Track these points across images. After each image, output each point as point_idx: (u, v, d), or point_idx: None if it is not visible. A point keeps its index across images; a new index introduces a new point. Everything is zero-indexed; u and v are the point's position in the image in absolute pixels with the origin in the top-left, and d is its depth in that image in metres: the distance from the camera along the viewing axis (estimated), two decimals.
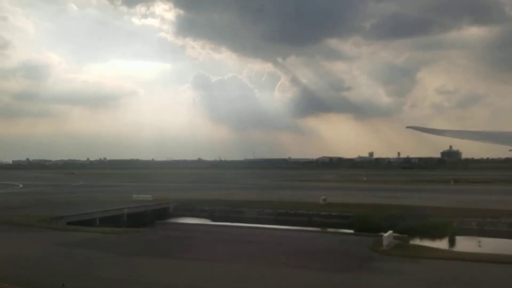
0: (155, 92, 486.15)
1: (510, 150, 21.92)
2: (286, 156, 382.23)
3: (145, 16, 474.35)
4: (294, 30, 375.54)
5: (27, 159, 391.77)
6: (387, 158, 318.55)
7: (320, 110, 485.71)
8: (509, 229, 43.84)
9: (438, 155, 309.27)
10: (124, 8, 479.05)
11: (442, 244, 39.14)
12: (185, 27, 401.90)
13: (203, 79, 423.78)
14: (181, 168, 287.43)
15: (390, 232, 31.56)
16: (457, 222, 46.22)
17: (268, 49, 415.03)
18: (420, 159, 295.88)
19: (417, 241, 37.48)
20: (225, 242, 32.25)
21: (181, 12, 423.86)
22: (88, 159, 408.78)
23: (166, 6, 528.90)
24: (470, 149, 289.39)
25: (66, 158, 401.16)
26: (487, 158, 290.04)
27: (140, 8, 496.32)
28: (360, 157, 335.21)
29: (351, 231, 42.35)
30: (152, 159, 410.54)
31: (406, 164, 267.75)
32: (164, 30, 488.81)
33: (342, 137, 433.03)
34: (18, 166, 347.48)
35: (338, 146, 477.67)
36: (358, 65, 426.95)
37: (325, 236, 38.88)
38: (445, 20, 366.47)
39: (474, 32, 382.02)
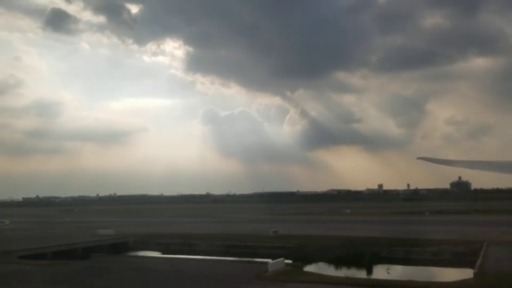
0: (165, 128, 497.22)
1: None
2: (295, 189, 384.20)
3: (155, 54, 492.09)
4: (301, 64, 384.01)
5: (37, 196, 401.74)
6: (396, 190, 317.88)
7: (330, 143, 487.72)
8: (432, 257, 46.79)
9: (448, 186, 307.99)
10: (135, 47, 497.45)
11: (349, 271, 42.10)
12: (195, 64, 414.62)
13: (213, 114, 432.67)
14: (187, 202, 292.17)
15: (280, 259, 35.19)
16: (386, 251, 49.62)
17: (276, 83, 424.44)
18: (428, 190, 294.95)
19: (324, 268, 41.00)
20: (135, 271, 36.10)
21: (191, 49, 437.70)
22: (97, 195, 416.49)
23: (176, 43, 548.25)
24: (480, 180, 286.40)
25: (76, 195, 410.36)
26: (497, 188, 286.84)
27: (151, 46, 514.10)
28: (368, 189, 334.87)
29: (266, 259, 44.69)
30: (161, 194, 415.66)
31: (410, 196, 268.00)
32: (174, 67, 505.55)
33: (352, 169, 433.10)
34: (27, 203, 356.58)
35: (348, 179, 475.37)
36: (367, 97, 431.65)
37: (230, 264, 42.07)
38: (451, 52, 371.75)
39: (480, 63, 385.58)
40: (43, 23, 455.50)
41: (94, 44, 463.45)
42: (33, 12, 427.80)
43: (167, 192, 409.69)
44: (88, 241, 59.73)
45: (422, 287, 29.34)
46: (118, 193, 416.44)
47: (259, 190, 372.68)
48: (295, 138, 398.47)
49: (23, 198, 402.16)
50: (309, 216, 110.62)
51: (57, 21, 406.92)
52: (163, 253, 57.96)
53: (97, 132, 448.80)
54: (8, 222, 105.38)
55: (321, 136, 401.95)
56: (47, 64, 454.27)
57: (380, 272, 42.38)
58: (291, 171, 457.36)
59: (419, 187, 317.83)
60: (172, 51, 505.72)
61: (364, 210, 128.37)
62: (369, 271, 43.47)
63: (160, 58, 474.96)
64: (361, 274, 42.06)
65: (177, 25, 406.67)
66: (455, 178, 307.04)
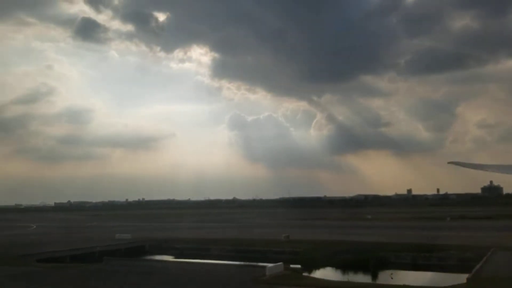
0: (192, 133, 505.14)
1: None
2: (322, 194, 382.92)
3: (182, 60, 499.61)
4: (328, 68, 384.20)
5: (68, 201, 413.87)
6: (425, 195, 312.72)
7: (358, 147, 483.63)
8: (439, 263, 46.85)
9: (479, 191, 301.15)
10: (162, 54, 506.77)
11: (354, 276, 42.81)
12: (221, 70, 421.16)
13: (239, 119, 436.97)
14: (213, 207, 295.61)
15: (280, 263, 36.30)
16: (394, 256, 49.94)
17: (302, 87, 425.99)
18: (458, 195, 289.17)
19: (330, 273, 41.83)
20: (141, 274, 37.87)
21: (217, 55, 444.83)
22: (126, 200, 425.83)
23: (202, 50, 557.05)
24: None
25: (106, 200, 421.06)
26: None
27: (178, 53, 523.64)
28: (397, 194, 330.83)
29: (266, 264, 45.86)
30: (189, 199, 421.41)
31: (437, 201, 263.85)
32: (201, 73, 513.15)
33: (380, 174, 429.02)
34: (59, 208, 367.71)
35: (377, 183, 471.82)
36: (395, 101, 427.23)
37: (231, 268, 43.09)
38: (481, 54, 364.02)
39: (511, 65, 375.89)
40: (73, 33, 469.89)
41: (123, 52, 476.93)
42: (64, 22, 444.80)
43: (195, 197, 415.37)
44: (105, 245, 62.02)
45: None
46: (147, 198, 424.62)
47: (285, 195, 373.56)
48: (322, 142, 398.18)
49: (55, 203, 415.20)
50: (329, 221, 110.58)
51: (87, 30, 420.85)
52: (177, 257, 59.70)
53: (126, 138, 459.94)
54: (35, 226, 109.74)
55: (349, 141, 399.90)
56: (77, 72, 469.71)
57: (384, 277, 42.78)
58: (318, 176, 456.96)
59: (449, 192, 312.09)
60: (199, 57, 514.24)
61: (386, 216, 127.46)
62: (374, 276, 44.00)
63: (187, 65, 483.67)
64: (365, 279, 42.75)
65: (203, 32, 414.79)
66: (486, 183, 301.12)
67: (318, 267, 48.58)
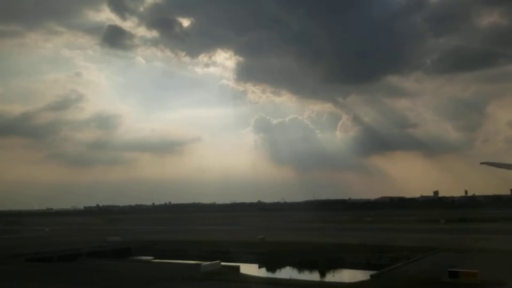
0: (218, 137, 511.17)
1: None
2: (347, 197, 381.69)
3: (207, 65, 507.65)
4: (352, 69, 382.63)
5: (97, 205, 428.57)
6: (451, 197, 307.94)
7: (385, 149, 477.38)
8: (390, 263, 49.87)
9: (508, 192, 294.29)
10: (187, 59, 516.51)
11: (298, 274, 46.58)
12: (245, 73, 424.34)
13: (264, 122, 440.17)
14: (233, 211, 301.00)
15: (217, 261, 40.69)
16: (351, 257, 53.40)
17: (327, 89, 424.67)
18: (486, 196, 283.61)
19: (284, 271, 45.81)
20: (93, 272, 42.96)
21: (241, 59, 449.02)
22: (153, 203, 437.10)
23: (227, 54, 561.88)
24: None
25: (133, 203, 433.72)
26: None
27: (203, 58, 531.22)
28: (422, 196, 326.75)
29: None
30: (214, 202, 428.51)
31: (456, 203, 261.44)
32: (226, 77, 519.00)
33: (407, 176, 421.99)
34: (88, 212, 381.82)
35: (403, 185, 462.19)
36: (422, 101, 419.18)
37: (176, 266, 48.31)
38: (510, 51, 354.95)
39: None
40: (101, 40, 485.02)
41: (149, 57, 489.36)
42: (92, 30, 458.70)
43: (220, 200, 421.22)
44: (93, 247, 67.81)
45: (316, 286, 33.61)
46: (173, 202, 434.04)
47: (310, 197, 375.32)
48: (348, 144, 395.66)
49: (84, 207, 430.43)
50: (329, 224, 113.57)
51: (114, 37, 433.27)
52: (156, 258, 64.72)
53: (153, 143, 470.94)
54: (48, 229, 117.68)
55: (375, 142, 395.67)
56: (105, 79, 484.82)
57: (329, 275, 46.58)
58: (344, 178, 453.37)
59: (477, 194, 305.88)
60: (223, 61, 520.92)
61: (386, 218, 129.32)
62: (322, 274, 47.73)
63: (212, 69, 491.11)
64: (310, 277, 46.58)
65: (227, 36, 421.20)
66: None
67: (280, 266, 52.93)
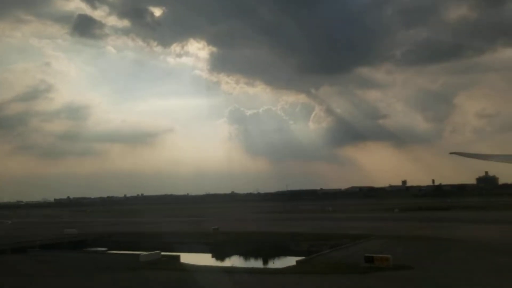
0: (191, 128, 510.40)
1: None
2: (319, 187, 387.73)
3: (179, 55, 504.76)
4: (325, 60, 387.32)
5: (68, 197, 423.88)
6: (419, 186, 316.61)
7: (357, 139, 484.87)
8: (329, 250, 52.61)
9: (474, 181, 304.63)
10: (159, 49, 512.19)
11: (241, 262, 48.90)
12: (219, 64, 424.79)
13: (238, 113, 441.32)
14: (208, 202, 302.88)
15: (157, 251, 42.60)
16: (294, 245, 56.09)
17: (301, 80, 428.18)
18: (452, 186, 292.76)
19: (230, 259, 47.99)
20: (41, 263, 44.28)
21: (214, 49, 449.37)
22: (125, 195, 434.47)
23: (200, 44, 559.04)
24: (509, 174, 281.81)
25: (105, 195, 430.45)
26: None
27: (175, 48, 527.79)
28: (391, 186, 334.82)
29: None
30: (187, 194, 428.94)
31: (421, 192, 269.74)
32: (199, 68, 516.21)
33: (378, 166, 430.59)
34: (59, 204, 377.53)
35: (373, 175, 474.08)
36: (392, 92, 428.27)
37: (120, 256, 49.03)
38: (479, 43, 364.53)
39: (509, 53, 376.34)
40: (70, 29, 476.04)
41: (120, 47, 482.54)
42: (61, 18, 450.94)
43: (194, 192, 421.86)
44: (48, 239, 68.67)
45: (247, 272, 35.83)
46: (145, 193, 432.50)
47: (283, 188, 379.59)
48: (321, 135, 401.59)
49: (55, 199, 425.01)
50: (293, 213, 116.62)
51: (84, 26, 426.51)
52: (110, 249, 65.94)
53: (124, 134, 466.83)
54: (10, 222, 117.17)
55: (347, 133, 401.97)
56: (75, 69, 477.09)
57: (270, 262, 49.04)
58: (317, 169, 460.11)
59: (444, 183, 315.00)
60: (196, 52, 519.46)
61: (347, 208, 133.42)
62: (265, 262, 50.16)
63: (185, 59, 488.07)
64: (252, 264, 48.79)
65: (200, 26, 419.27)
66: (482, 173, 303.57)
67: (228, 255, 55.27)
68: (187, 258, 48.02)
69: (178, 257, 44.57)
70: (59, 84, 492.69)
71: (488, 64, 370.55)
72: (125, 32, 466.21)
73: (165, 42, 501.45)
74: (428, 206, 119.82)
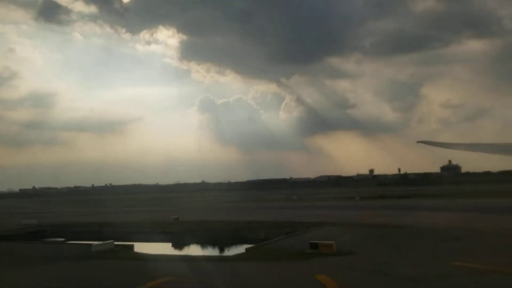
0: (161, 117, 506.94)
1: None
2: (289, 176, 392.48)
3: (149, 42, 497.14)
4: (295, 50, 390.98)
5: (33, 187, 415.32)
6: (385, 175, 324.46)
7: (327, 129, 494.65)
8: (280, 237, 53.95)
9: (438, 170, 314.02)
10: (128, 36, 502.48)
11: (204, 251, 49.81)
12: (189, 52, 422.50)
13: (209, 102, 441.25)
14: (177, 191, 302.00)
15: (110, 241, 42.92)
16: (251, 233, 57.28)
17: (272, 69, 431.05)
18: (417, 174, 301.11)
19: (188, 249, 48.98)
20: None
21: (184, 37, 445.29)
22: (92, 185, 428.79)
23: (169, 32, 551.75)
24: (471, 163, 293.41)
25: (72, 185, 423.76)
26: (487, 172, 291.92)
27: (144, 35, 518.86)
28: (358, 175, 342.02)
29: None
30: (157, 184, 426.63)
31: (395, 181, 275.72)
32: (169, 56, 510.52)
33: (347, 155, 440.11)
34: (23, 194, 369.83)
35: (342, 164, 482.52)
36: (362, 82, 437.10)
37: (75, 246, 49.94)
38: (445, 35, 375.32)
39: (474, 45, 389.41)
40: (35, 14, 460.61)
41: (87, 34, 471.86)
42: (25, 3, 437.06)
43: (163, 181, 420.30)
44: (5, 230, 67.84)
45: (198, 259, 36.68)
46: (114, 183, 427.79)
47: (253, 177, 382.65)
48: (292, 125, 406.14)
49: (19, 189, 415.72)
50: (258, 202, 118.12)
51: (49, 12, 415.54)
52: (68, 240, 65.63)
53: (92, 122, 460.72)
54: None
55: (317, 122, 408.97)
56: (41, 55, 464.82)
57: (226, 250, 50.12)
58: (287, 158, 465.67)
59: (410, 171, 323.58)
60: (166, 39, 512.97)
61: (313, 196, 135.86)
62: (221, 250, 51.16)
63: (154, 47, 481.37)
64: (211, 252, 49.85)
65: (169, 13, 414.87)
66: (446, 162, 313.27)
67: (186, 244, 56.08)
68: (143, 247, 48.80)
69: (132, 246, 44.89)
70: (24, 71, 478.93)
71: (453, 55, 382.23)
72: (92, 18, 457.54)
73: (133, 29, 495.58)
74: (389, 194, 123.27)
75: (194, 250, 52.62)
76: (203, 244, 55.16)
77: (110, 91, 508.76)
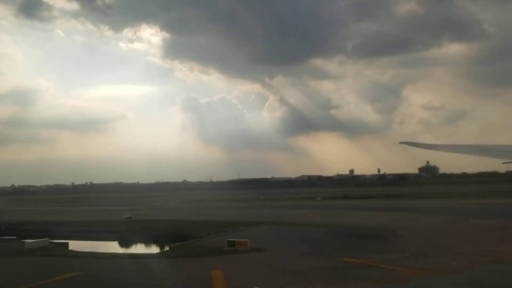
0: (144, 115, 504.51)
1: (503, 163, 22.36)
2: (271, 176, 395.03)
3: (132, 40, 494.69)
4: (279, 50, 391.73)
5: (12, 185, 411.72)
6: (363, 175, 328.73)
7: (309, 129, 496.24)
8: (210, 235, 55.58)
9: (416, 171, 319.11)
10: (110, 33, 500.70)
11: (145, 249, 51.82)
12: (172, 50, 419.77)
13: (192, 101, 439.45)
14: (155, 190, 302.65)
15: (45, 239, 44.76)
16: (195, 232, 59.26)
17: (255, 70, 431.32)
18: (395, 175, 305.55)
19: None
20: None
21: (168, 35, 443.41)
22: (72, 183, 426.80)
23: (153, 30, 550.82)
24: (448, 164, 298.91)
25: (51, 183, 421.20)
26: (464, 173, 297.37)
27: (127, 33, 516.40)
28: (338, 175, 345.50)
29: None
30: (138, 182, 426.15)
31: (374, 181, 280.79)
32: (152, 54, 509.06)
33: (328, 155, 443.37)
34: (2, 192, 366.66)
35: (324, 164, 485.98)
36: (344, 83, 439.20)
37: (13, 243, 51.17)
38: (426, 38, 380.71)
39: (455, 49, 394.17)
40: (15, 10, 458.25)
41: (69, 31, 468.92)
42: None
43: (145, 180, 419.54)
44: None
45: (120, 257, 38.68)
46: (94, 182, 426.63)
47: (235, 177, 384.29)
48: (275, 125, 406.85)
49: None
50: (226, 202, 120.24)
51: (30, 8, 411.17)
52: (20, 239, 66.99)
53: (73, 120, 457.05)
54: None
55: (300, 123, 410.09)
56: (22, 52, 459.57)
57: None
58: (270, 158, 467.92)
59: (390, 172, 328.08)
60: (149, 37, 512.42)
61: (281, 196, 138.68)
62: (162, 248, 52.94)
63: (137, 45, 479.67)
64: (151, 250, 51.71)
65: (153, 11, 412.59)
66: (424, 163, 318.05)
67: (132, 242, 57.95)
68: (84, 245, 50.76)
69: (67, 244, 46.66)
70: (4, 68, 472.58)
71: (434, 58, 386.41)
72: (74, 15, 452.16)
73: (116, 27, 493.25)
74: (353, 195, 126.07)
75: (133, 248, 54.40)
76: (147, 242, 56.92)
77: (92, 89, 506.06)
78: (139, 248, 53.69)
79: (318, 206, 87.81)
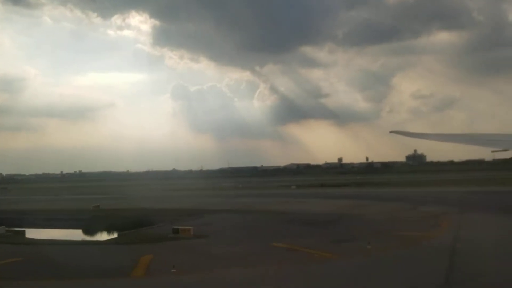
0: (133, 103, 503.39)
1: (492, 152, 22.59)
2: (261, 164, 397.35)
3: (120, 28, 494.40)
4: (269, 38, 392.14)
5: (0, 174, 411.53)
6: (351, 164, 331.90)
7: (300, 117, 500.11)
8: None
9: (404, 159, 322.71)
10: (99, 20, 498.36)
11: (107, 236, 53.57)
12: (162, 38, 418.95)
13: (182, 89, 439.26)
14: (145, 179, 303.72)
15: (2, 227, 46.23)
16: (158, 220, 60.92)
17: (246, 57, 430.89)
18: (382, 163, 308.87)
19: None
20: None
21: (157, 23, 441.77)
22: (61, 172, 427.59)
23: (142, 17, 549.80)
24: (435, 153, 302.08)
25: (40, 172, 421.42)
26: (451, 161, 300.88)
27: (116, 20, 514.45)
28: (327, 163, 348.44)
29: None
30: (127, 171, 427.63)
31: (345, 169, 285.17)
32: (141, 41, 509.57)
33: (317, 144, 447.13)
34: None
35: (314, 152, 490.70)
36: (334, 72, 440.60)
37: None
38: (415, 26, 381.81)
39: (444, 37, 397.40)
40: None
41: (57, 18, 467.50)
42: None
43: (134, 169, 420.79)
44: None
45: (69, 243, 40.36)
46: (84, 170, 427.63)
47: (225, 165, 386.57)
48: (265, 113, 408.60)
49: None
50: (203, 191, 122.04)
51: None
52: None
53: (62, 108, 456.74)
54: None
55: (290, 111, 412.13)
56: (9, 39, 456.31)
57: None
58: (260, 146, 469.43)
59: (377, 160, 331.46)
60: (138, 24, 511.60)
61: (260, 185, 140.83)
62: (120, 235, 54.58)
63: (126, 32, 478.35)
64: (106, 237, 53.32)
65: None
66: (411, 152, 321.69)
67: (97, 231, 59.57)
68: (43, 233, 52.53)
69: (23, 232, 48.22)
70: None
71: (424, 46, 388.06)
72: (62, 2, 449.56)
73: (105, 14, 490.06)
74: (330, 183, 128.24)
75: (94, 236, 55.92)
76: (109, 230, 58.47)
77: (81, 76, 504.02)
78: (98, 236, 55.17)
79: (289, 195, 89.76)
